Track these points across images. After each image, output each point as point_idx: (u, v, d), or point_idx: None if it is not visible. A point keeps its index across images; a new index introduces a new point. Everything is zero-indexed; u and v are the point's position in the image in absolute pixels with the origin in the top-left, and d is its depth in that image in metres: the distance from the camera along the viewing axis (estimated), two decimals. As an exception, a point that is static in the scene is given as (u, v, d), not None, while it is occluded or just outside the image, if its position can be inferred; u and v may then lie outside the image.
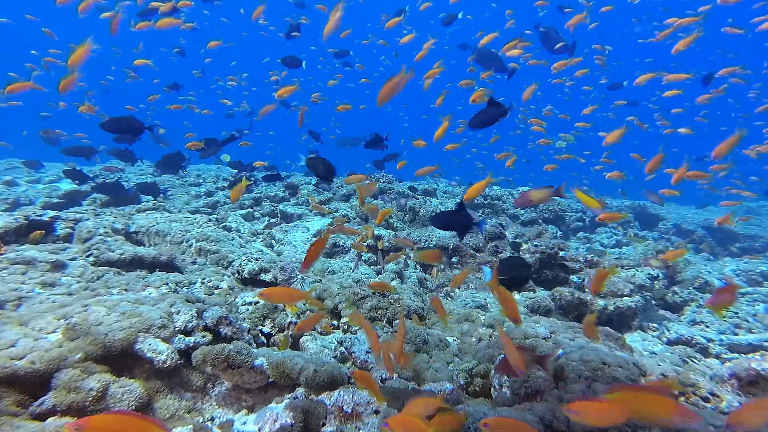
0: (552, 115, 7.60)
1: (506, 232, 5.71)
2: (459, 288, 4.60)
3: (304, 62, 5.10)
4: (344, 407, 1.82)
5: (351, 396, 1.84)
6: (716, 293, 2.07)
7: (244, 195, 7.41)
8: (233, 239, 4.78)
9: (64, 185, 7.13)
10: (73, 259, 3.79)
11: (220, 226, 5.63)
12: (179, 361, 2.04)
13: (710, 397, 2.04)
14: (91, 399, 1.70)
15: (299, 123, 3.12)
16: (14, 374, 1.67)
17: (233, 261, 4.09)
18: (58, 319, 2.05)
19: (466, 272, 2.54)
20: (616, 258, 5.36)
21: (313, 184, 8.00)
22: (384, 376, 2.37)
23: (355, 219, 6.31)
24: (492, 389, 2.23)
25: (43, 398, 1.66)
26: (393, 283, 4.00)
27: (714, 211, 9.87)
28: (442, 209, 6.97)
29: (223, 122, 10.29)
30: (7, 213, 4.42)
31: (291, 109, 7.55)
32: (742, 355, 3.68)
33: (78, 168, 5.98)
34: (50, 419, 1.58)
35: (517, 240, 5.62)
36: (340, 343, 2.52)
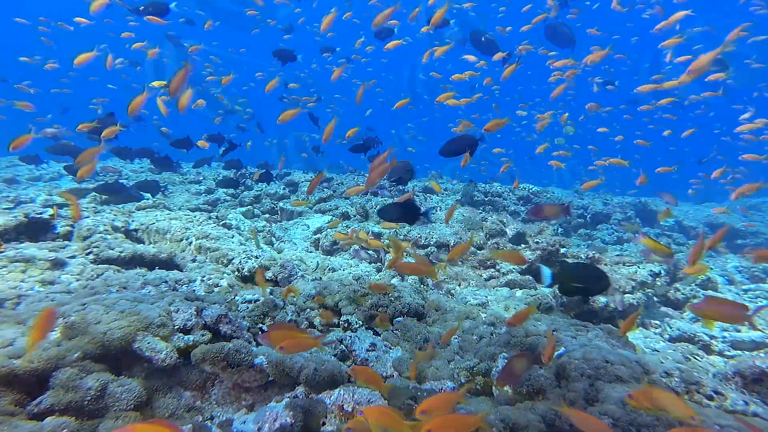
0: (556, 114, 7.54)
1: (507, 229, 5.69)
2: (460, 285, 4.59)
3: (299, 56, 5.07)
4: (345, 406, 1.80)
5: (351, 395, 1.82)
6: (709, 302, 1.81)
7: (244, 192, 7.40)
8: (233, 237, 4.76)
9: (65, 183, 7.11)
10: (73, 257, 3.78)
11: (220, 223, 5.62)
12: (178, 360, 2.03)
13: (714, 395, 2.02)
14: (89, 398, 1.69)
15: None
16: (12, 373, 1.66)
17: (233, 259, 4.07)
18: (56, 318, 2.03)
19: (455, 330, 2.54)
20: (618, 255, 5.34)
21: (310, 179, 7.97)
22: (384, 374, 2.35)
23: (355, 216, 6.29)
24: (493, 387, 2.22)
25: (40, 397, 1.64)
26: (393, 281, 3.99)
27: (715, 207, 9.84)
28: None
29: (224, 119, 10.25)
30: (7, 211, 4.41)
31: (284, 100, 7.58)
32: (745, 352, 3.66)
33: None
34: (48, 419, 1.56)
35: (521, 232, 5.58)
36: (341, 341, 2.51)
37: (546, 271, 2.03)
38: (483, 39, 5.58)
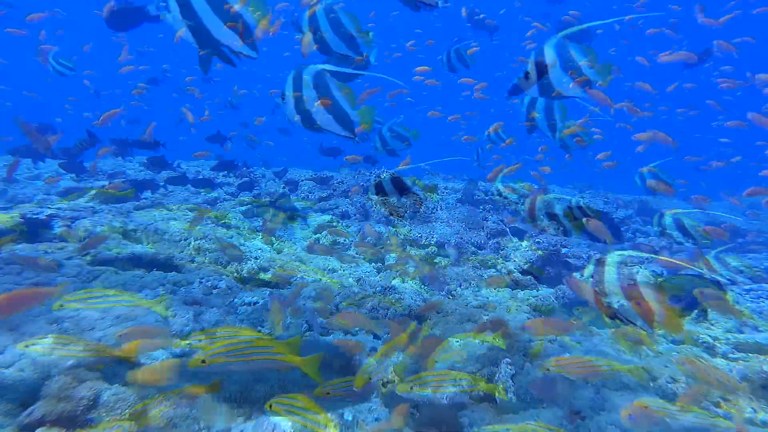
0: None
1: (508, 229, 5.65)
2: (461, 286, 4.55)
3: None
4: (345, 415, 1.76)
5: (351, 404, 1.78)
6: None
7: (244, 190, 7.36)
8: (232, 237, 4.72)
9: (63, 182, 7.05)
10: (70, 258, 3.73)
11: (219, 223, 5.57)
12: (175, 367, 1.98)
13: (721, 401, 1.98)
14: (81, 407, 1.65)
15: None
16: (2, 383, 1.61)
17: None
18: (50, 324, 1.99)
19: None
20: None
21: (310, 178, 7.93)
22: (385, 379, 2.31)
23: (354, 215, 6.25)
24: (496, 394, 2.17)
25: (31, 408, 1.60)
26: (394, 282, 3.94)
27: (717, 206, 9.79)
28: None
29: (224, 115, 10.16)
30: (3, 211, 4.36)
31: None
32: (750, 354, 3.62)
33: (76, 160, 5.90)
34: (39, 430, 1.52)
35: (523, 230, 5.54)
36: (341, 345, 2.46)
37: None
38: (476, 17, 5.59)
